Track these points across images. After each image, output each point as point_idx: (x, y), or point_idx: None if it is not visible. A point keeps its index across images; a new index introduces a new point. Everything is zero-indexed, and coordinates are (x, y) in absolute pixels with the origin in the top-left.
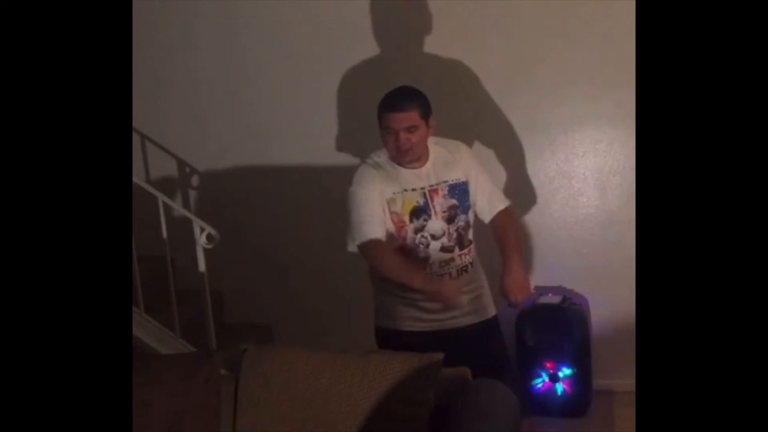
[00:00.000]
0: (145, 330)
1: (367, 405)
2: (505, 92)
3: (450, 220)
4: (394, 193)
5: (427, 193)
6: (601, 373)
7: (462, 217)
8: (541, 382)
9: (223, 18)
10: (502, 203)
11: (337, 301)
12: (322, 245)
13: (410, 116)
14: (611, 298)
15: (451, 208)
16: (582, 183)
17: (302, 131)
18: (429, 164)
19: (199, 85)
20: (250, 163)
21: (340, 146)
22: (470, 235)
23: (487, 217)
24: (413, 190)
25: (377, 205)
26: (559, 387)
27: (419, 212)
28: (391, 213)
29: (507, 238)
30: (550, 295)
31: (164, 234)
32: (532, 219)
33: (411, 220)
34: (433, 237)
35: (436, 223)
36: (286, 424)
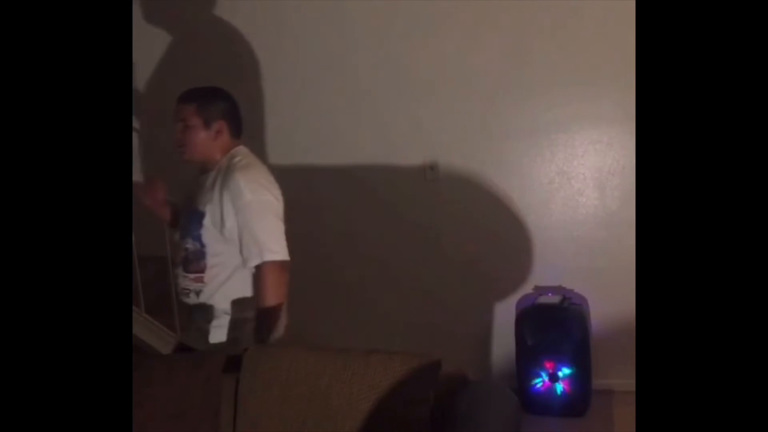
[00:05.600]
0: (145, 330)
1: (367, 405)
2: (503, 91)
3: (182, 238)
4: None
5: None
6: (601, 373)
7: (188, 240)
8: (540, 381)
9: (223, 16)
10: (255, 258)
11: (337, 301)
12: (322, 244)
13: (184, 109)
14: (611, 298)
15: (183, 227)
16: (582, 183)
17: (301, 130)
18: (210, 178)
19: (198, 84)
20: None
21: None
22: (204, 264)
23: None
24: None
25: None
26: (559, 387)
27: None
28: None
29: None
30: (549, 295)
31: (164, 234)
32: (532, 219)
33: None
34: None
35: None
36: (286, 424)
